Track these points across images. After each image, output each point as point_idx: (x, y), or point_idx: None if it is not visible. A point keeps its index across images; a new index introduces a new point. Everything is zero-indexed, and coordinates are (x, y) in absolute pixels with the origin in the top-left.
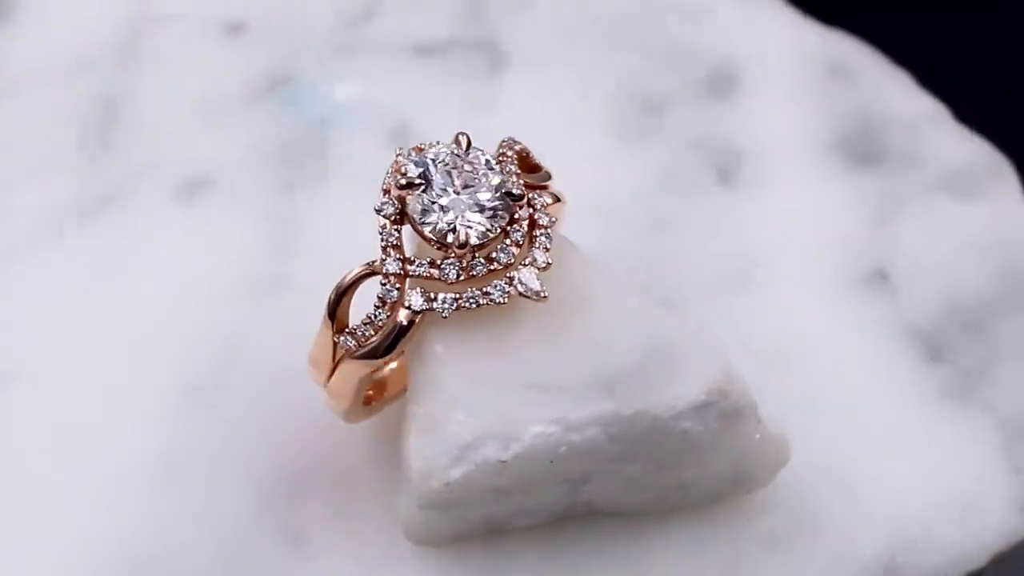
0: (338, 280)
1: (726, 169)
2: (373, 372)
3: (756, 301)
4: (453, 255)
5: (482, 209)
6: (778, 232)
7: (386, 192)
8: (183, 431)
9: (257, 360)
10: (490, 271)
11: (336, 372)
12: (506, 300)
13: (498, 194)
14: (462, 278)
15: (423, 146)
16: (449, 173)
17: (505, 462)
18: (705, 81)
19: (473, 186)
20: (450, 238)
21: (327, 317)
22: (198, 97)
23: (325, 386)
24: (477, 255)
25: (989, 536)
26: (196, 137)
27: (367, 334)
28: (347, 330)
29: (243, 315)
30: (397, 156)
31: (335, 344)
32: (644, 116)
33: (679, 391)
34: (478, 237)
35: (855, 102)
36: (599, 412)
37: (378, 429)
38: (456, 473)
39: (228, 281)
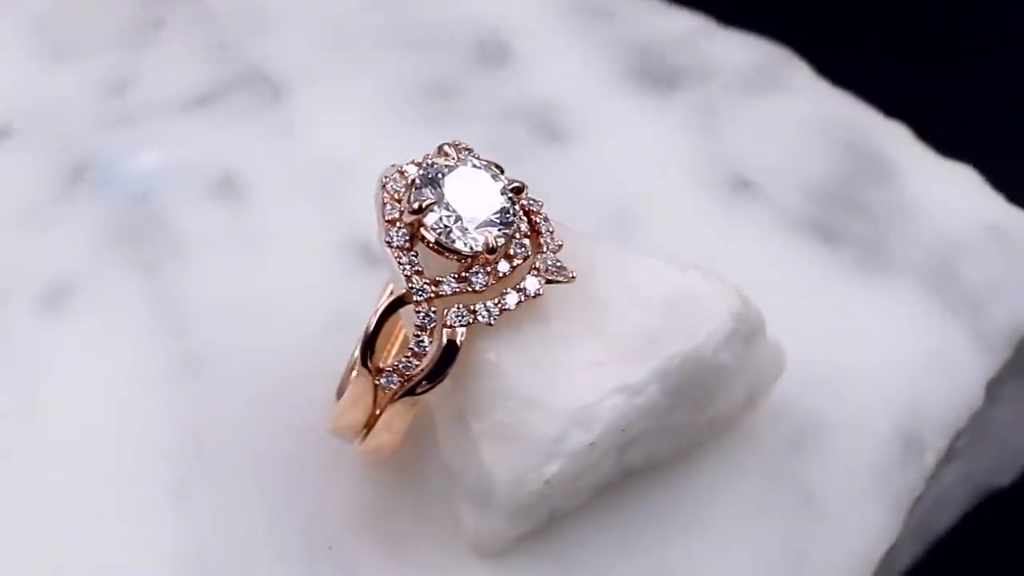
0: (364, 330)
1: (546, 129)
2: (422, 405)
3: (645, 241)
4: (478, 264)
5: (495, 212)
6: (628, 172)
7: (391, 223)
8: (195, 529)
9: (226, 438)
10: (514, 268)
11: (382, 420)
12: (542, 290)
13: (504, 194)
14: (491, 283)
15: (403, 169)
16: (452, 185)
17: (593, 443)
18: (479, 54)
19: (477, 192)
20: (478, 246)
21: (360, 366)
22: (10, 211)
23: (363, 441)
24: (498, 257)
25: (973, 373)
26: (27, 250)
27: (412, 366)
28: (386, 370)
29: (184, 402)
30: (385, 184)
31: (375, 388)
32: (441, 101)
33: (712, 326)
34: (503, 238)
35: (624, 34)
36: (653, 369)
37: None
38: (553, 469)
39: (147, 377)
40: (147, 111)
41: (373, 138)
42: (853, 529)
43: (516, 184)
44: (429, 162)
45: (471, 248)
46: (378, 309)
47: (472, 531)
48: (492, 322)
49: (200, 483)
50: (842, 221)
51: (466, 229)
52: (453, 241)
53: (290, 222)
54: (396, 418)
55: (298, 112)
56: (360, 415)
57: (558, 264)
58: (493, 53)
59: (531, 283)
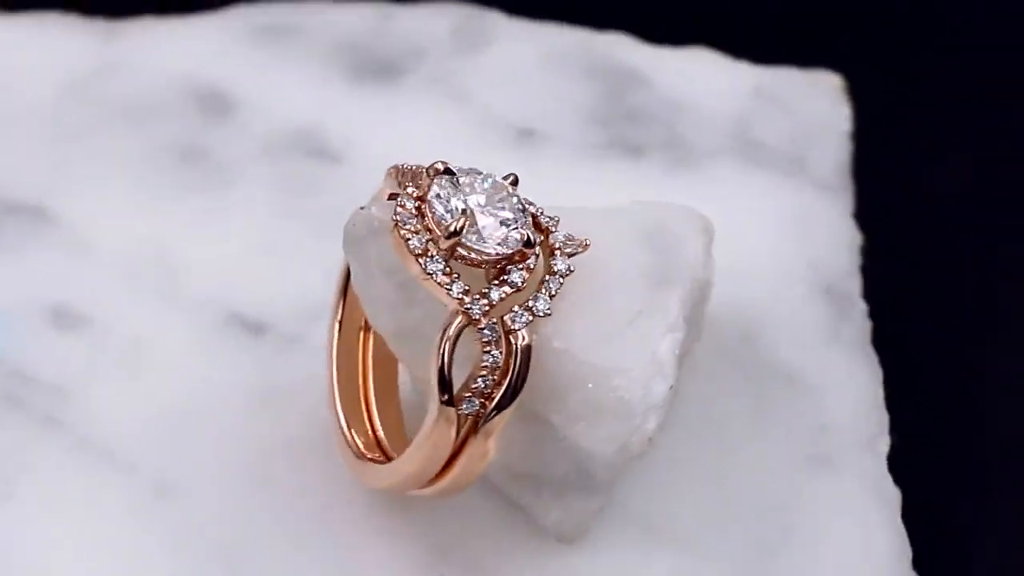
0: (435, 366)
1: (316, 151)
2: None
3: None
4: (511, 263)
5: (515, 208)
6: (415, 161)
7: (423, 255)
8: None
9: None
10: (538, 256)
11: (464, 451)
12: (573, 266)
13: (510, 189)
14: (526, 277)
15: (403, 203)
16: (468, 197)
17: (672, 386)
18: (207, 108)
19: (488, 196)
20: (514, 246)
21: (443, 404)
22: None
23: (435, 482)
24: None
25: (837, 212)
26: None
27: (490, 382)
28: (464, 397)
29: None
30: (399, 226)
31: (459, 419)
32: (199, 160)
33: (695, 247)
34: (530, 231)
35: (324, 41)
36: (677, 302)
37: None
38: (651, 424)
39: (119, 523)
40: None
41: (159, 217)
42: (844, 385)
43: (512, 176)
44: (439, 183)
45: (508, 249)
46: (442, 343)
47: (559, 524)
48: (550, 312)
49: None
50: (632, 133)
51: (495, 233)
52: (489, 249)
53: (150, 324)
54: (479, 446)
55: (73, 222)
56: (439, 456)
57: (569, 237)
58: (218, 102)
59: (561, 263)
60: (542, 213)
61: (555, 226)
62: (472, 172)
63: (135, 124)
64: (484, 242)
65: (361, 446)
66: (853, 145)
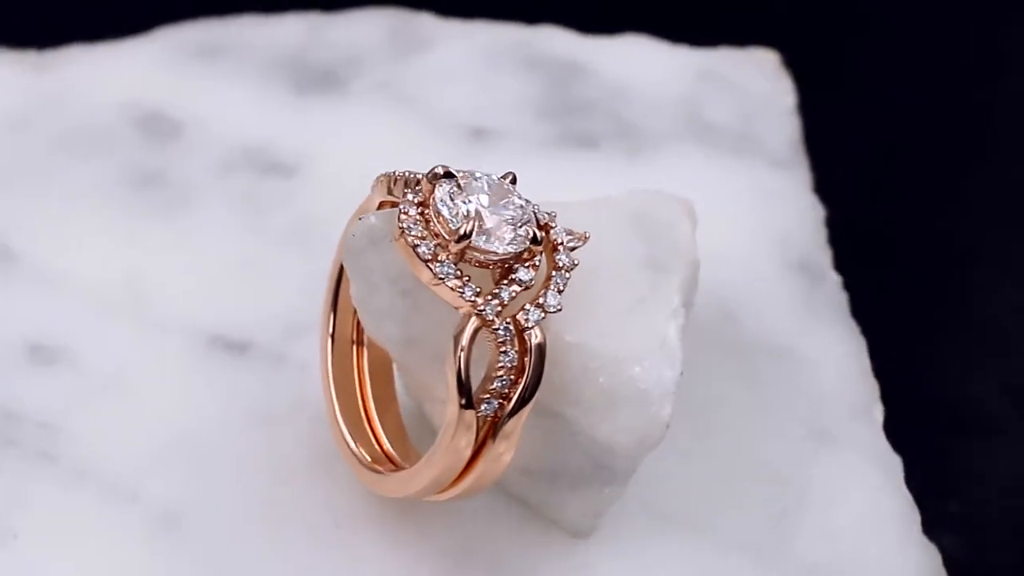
0: (453, 370)
1: (270, 167)
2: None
3: None
4: (518, 261)
5: (519, 207)
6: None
7: (433, 260)
8: None
9: None
10: (542, 252)
11: (485, 451)
12: (577, 260)
13: (509, 187)
14: (533, 274)
15: (406, 211)
16: (474, 198)
17: (682, 372)
18: (151, 130)
19: (493, 196)
20: (522, 243)
21: (463, 407)
22: None
23: (458, 485)
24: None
25: (798, 186)
26: None
27: (507, 382)
28: (482, 399)
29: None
30: (405, 233)
31: (477, 421)
32: (155, 186)
33: (684, 231)
34: (535, 228)
35: (256, 57)
36: (676, 288)
37: None
38: (667, 409)
39: (119, 548)
40: None
41: (123, 247)
42: (830, 355)
43: (511, 175)
44: (443, 186)
45: (516, 248)
46: (459, 347)
47: (575, 519)
48: (561, 308)
49: None
50: (583, 125)
51: (502, 232)
52: (497, 249)
53: (126, 354)
54: (499, 447)
55: (37, 258)
56: (459, 461)
57: (569, 231)
58: (163, 125)
59: (564, 258)
60: (539, 209)
61: (554, 221)
62: (472, 174)
63: (84, 154)
64: (492, 243)
65: (368, 459)
66: (800, 119)
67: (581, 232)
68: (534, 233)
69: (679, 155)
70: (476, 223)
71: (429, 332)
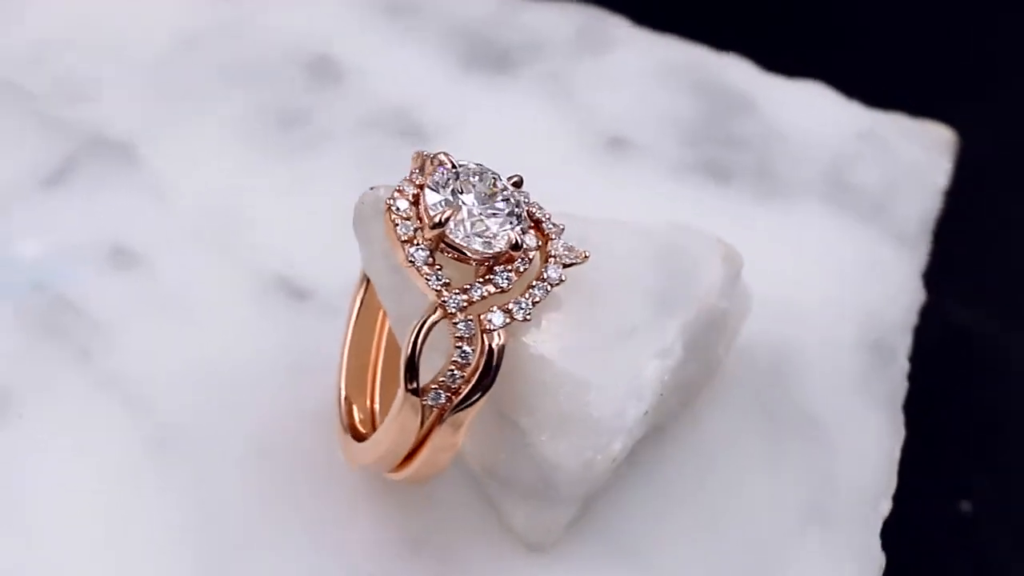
0: (404, 353)
1: (409, 130)
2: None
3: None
4: (500, 263)
5: (509, 209)
6: (504, 154)
7: (408, 242)
8: None
9: (237, 506)
10: (531, 260)
11: (430, 441)
12: (564, 276)
13: (510, 190)
14: (514, 280)
15: (401, 188)
16: (462, 192)
17: (647, 412)
18: (315, 73)
19: (485, 194)
20: (502, 246)
21: (407, 392)
22: None
23: (403, 468)
24: (518, 254)
25: (906, 269)
26: None
27: (458, 378)
28: (431, 389)
29: (178, 485)
30: (391, 207)
31: (423, 409)
32: (297, 129)
33: (711, 275)
34: (522, 233)
35: (443, 24)
36: (675, 328)
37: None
38: (618, 445)
39: (130, 466)
40: (1, 202)
41: (242, 176)
42: (862, 441)
43: (515, 178)
44: (435, 173)
45: (494, 249)
46: (415, 329)
47: (525, 530)
48: (529, 317)
49: (222, 557)
50: (724, 157)
51: (483, 231)
52: (475, 246)
53: (200, 277)
54: (445, 438)
55: (158, 169)
56: (405, 442)
57: (568, 247)
58: (325, 70)
59: (553, 271)
60: (548, 219)
61: (557, 234)
62: (474, 168)
63: (239, 84)
64: (471, 239)
65: (358, 420)
66: (945, 203)
67: (582, 251)
68: (517, 239)
69: (805, 208)
70: (455, 215)
71: (416, 313)
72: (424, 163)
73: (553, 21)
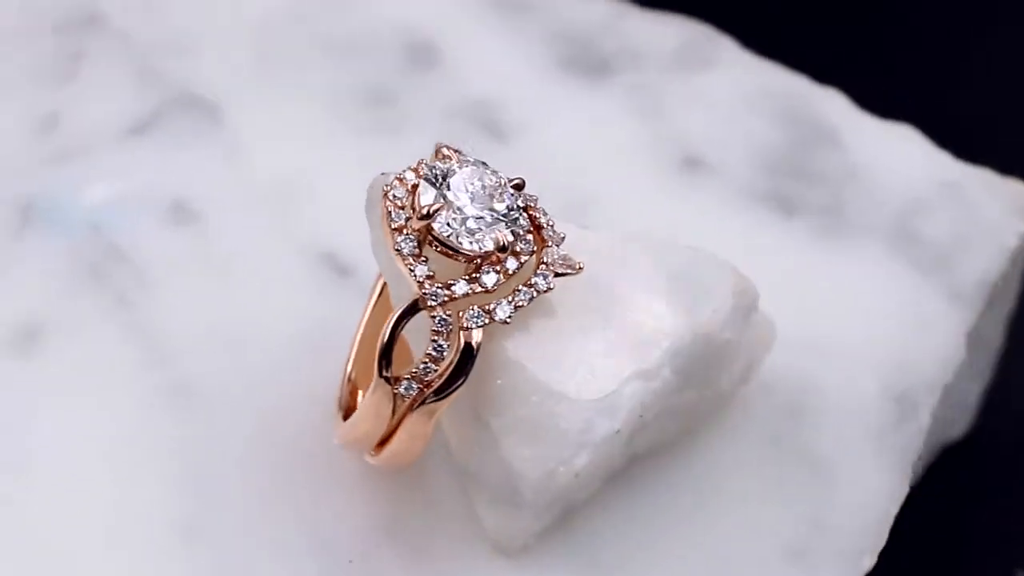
0: (380, 341)
1: (489, 125)
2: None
3: (606, 227)
4: (488, 263)
5: (503, 210)
6: (577, 160)
7: (398, 230)
8: (212, 561)
9: (228, 465)
10: (522, 265)
11: (403, 426)
12: (553, 284)
13: (507, 192)
14: (501, 282)
15: (403, 176)
16: (457, 188)
17: (619, 431)
18: (409, 59)
19: (482, 192)
20: (489, 246)
21: (378, 376)
22: None
23: (379, 450)
24: (505, 255)
25: (951, 328)
26: None
27: (431, 371)
28: (404, 378)
29: (179, 434)
30: (387, 193)
31: (394, 398)
32: (381, 109)
33: (716, 304)
34: (511, 236)
35: (548, 25)
36: (666, 352)
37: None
38: (583, 460)
39: (136, 412)
40: (84, 144)
41: (318, 149)
42: (863, 492)
43: (517, 180)
44: (430, 166)
45: (481, 248)
46: (392, 318)
47: (494, 531)
48: (509, 320)
49: (206, 516)
50: (797, 190)
51: (473, 229)
52: (462, 243)
53: (251, 242)
54: (416, 426)
55: (239, 131)
56: (379, 426)
57: (564, 257)
58: (423, 55)
59: (541, 278)
60: (551, 226)
61: (556, 242)
62: (476, 165)
63: (337, 59)
64: (458, 236)
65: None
66: (1009, 264)
67: (577, 262)
68: (504, 241)
69: (866, 250)
70: (445, 209)
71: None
72: (437, 153)
73: (659, 33)
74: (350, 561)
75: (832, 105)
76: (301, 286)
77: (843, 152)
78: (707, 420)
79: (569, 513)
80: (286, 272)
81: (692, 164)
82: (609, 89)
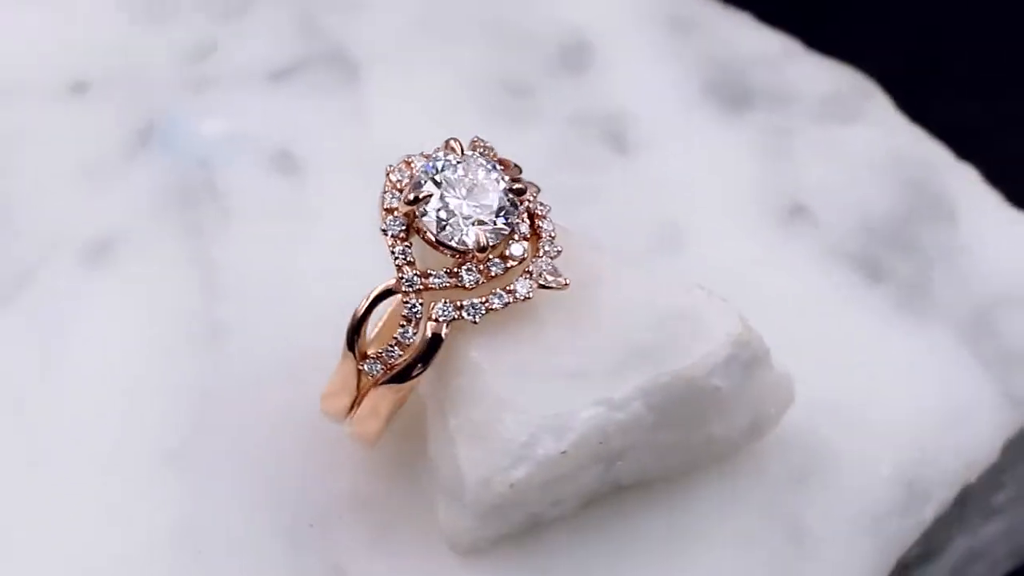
0: (354, 307)
1: (613, 138)
2: (405, 394)
3: (692, 258)
4: (470, 261)
5: (492, 211)
6: (687, 187)
7: (389, 211)
8: (188, 495)
9: (233, 409)
10: (507, 269)
11: (364, 402)
12: (532, 294)
13: (505, 194)
14: (481, 282)
15: (410, 160)
16: (452, 181)
17: (565, 452)
18: (560, 57)
19: (478, 190)
20: (469, 243)
21: (347, 349)
22: (71, 162)
23: (349, 420)
24: (492, 256)
25: (992, 430)
26: (84, 202)
27: (395, 355)
28: (371, 357)
29: (199, 368)
30: (389, 174)
31: (359, 373)
32: (514, 100)
33: (707, 349)
34: (495, 238)
35: (709, 49)
36: (638, 385)
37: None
38: (520, 473)
39: (171, 337)
40: (224, 80)
41: (439, 128)
42: (842, 569)
43: (519, 185)
44: (436, 155)
45: (460, 244)
46: (369, 295)
47: (444, 525)
48: (477, 320)
49: (194, 454)
50: (890, 259)
51: (459, 225)
52: (447, 236)
53: (341, 204)
54: (380, 404)
55: (370, 95)
56: (345, 398)
57: (553, 269)
58: (575, 58)
59: (522, 286)
60: (550, 236)
61: (551, 254)
62: (480, 163)
63: (491, 45)
64: (441, 229)
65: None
66: None
67: (564, 278)
68: (484, 243)
69: (934, 334)
70: (433, 200)
71: None
72: (446, 145)
73: (816, 77)
74: (311, 525)
75: (961, 181)
76: (372, 257)
77: (951, 230)
78: (705, 465)
79: (537, 527)
80: (364, 238)
81: (795, 211)
82: (743, 124)
